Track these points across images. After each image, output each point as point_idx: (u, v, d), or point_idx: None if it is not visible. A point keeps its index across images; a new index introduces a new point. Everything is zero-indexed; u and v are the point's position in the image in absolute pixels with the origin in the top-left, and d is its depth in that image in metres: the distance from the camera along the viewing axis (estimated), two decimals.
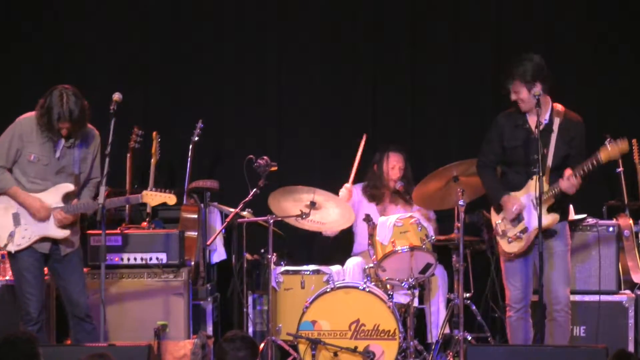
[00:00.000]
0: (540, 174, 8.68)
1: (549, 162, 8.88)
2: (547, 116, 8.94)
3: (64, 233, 8.92)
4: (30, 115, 8.94)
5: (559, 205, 8.90)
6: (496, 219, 9.12)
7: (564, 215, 9.05)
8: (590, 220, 10.02)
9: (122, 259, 10.02)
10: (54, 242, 8.98)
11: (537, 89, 8.81)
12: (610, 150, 8.73)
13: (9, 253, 9.00)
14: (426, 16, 11.89)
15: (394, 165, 10.45)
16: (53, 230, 8.90)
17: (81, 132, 8.94)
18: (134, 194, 9.31)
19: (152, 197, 9.19)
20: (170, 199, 9.17)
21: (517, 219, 8.97)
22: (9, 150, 8.90)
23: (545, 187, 8.78)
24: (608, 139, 8.77)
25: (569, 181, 8.74)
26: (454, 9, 11.84)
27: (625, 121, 11.04)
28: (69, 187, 8.94)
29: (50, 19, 11.77)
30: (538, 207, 8.74)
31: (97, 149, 9.11)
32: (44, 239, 8.94)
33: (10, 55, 11.70)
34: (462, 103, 11.62)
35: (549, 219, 8.81)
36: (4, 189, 8.92)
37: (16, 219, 8.94)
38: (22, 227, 8.92)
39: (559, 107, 9.03)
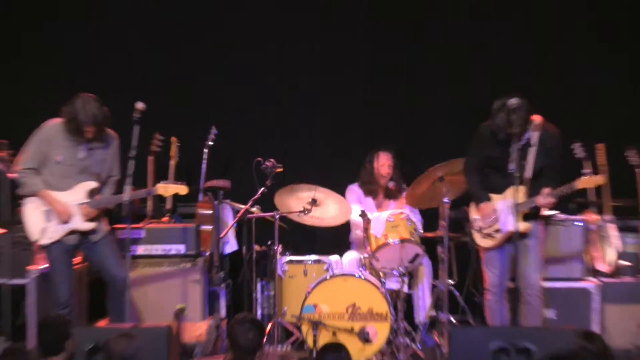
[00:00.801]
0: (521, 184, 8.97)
1: (528, 173, 9.09)
2: (527, 133, 9.08)
3: (89, 226, 9.22)
4: (56, 121, 9.18)
5: (533, 214, 9.15)
6: (474, 214, 9.37)
7: (537, 216, 9.26)
8: (561, 216, 10.14)
9: (145, 250, 10.21)
10: (82, 234, 9.23)
11: (515, 102, 8.89)
12: (587, 181, 8.99)
13: (42, 246, 9.28)
14: (426, 16, 11.94)
15: (383, 163, 10.69)
16: (79, 224, 9.21)
17: (102, 135, 9.17)
18: (151, 187, 9.54)
19: (166, 189, 9.41)
20: (182, 189, 9.37)
21: (494, 222, 9.19)
22: (38, 154, 9.18)
23: (523, 198, 8.98)
24: (589, 172, 9.15)
25: (546, 200, 8.99)
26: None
27: (592, 125, 11.05)
28: (92, 184, 9.25)
29: (72, 27, 11.80)
30: (515, 214, 8.88)
31: (116, 150, 9.33)
32: (72, 232, 9.21)
33: (37, 65, 11.69)
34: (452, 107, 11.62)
35: (524, 226, 9.07)
36: (35, 192, 9.17)
37: (47, 216, 9.21)
38: (52, 223, 9.21)
39: (537, 119, 9.15)
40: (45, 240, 9.28)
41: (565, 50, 11.70)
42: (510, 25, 11.82)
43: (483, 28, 11.85)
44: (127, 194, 9.18)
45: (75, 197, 9.25)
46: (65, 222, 9.23)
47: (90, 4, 11.88)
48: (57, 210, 9.20)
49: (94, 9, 11.88)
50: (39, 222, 9.27)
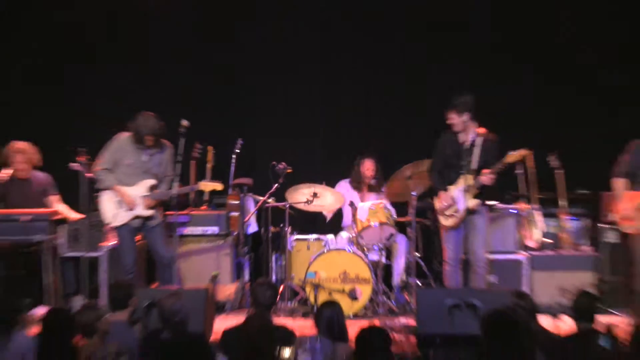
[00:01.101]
0: (468, 174, 8.99)
1: (473, 166, 9.03)
2: (472, 135, 9.09)
3: (149, 213, 9.29)
4: (125, 134, 9.26)
5: (480, 194, 9.07)
6: (438, 204, 9.33)
7: (483, 201, 9.18)
8: (500, 206, 10.10)
9: (188, 231, 10.17)
10: (144, 219, 9.30)
11: (465, 117, 9.06)
12: (513, 155, 8.94)
13: (114, 227, 9.39)
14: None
15: (367, 167, 10.61)
16: (142, 211, 9.27)
17: (159, 144, 9.23)
18: (195, 184, 9.59)
19: (206, 185, 9.50)
20: (218, 186, 9.46)
21: (452, 204, 9.17)
22: (112, 158, 9.27)
23: (471, 182, 8.98)
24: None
25: (487, 177, 8.93)
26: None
27: (523, 135, 10.51)
28: (152, 181, 9.32)
29: (131, 59, 11.62)
30: (466, 196, 8.97)
31: (170, 156, 9.34)
32: (136, 218, 9.29)
33: (106, 88, 11.53)
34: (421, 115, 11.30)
35: (473, 202, 9.03)
36: (109, 187, 9.26)
37: (118, 204, 9.29)
38: (122, 210, 9.29)
39: (481, 130, 9.11)
40: (116, 223, 9.35)
41: (499, 71, 11.46)
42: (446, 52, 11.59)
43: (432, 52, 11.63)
44: (176, 189, 9.23)
45: (139, 191, 9.30)
46: (132, 209, 9.27)
47: (141, 41, 11.76)
48: (125, 200, 9.26)
49: (137, 49, 11.75)
50: (112, 209, 9.34)
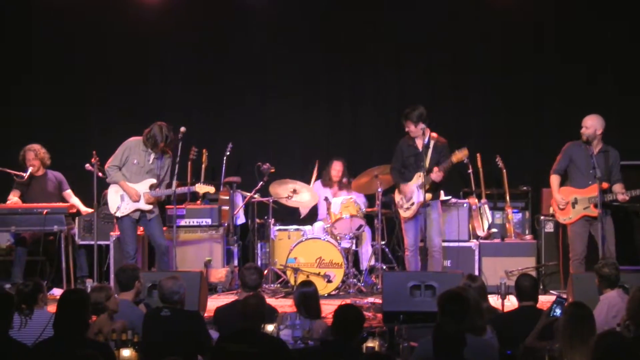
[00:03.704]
0: (423, 173, 8.98)
1: (427, 165, 9.02)
2: (426, 140, 9.08)
3: (149, 207, 9.17)
4: (136, 138, 9.19)
5: (432, 189, 9.05)
6: (398, 198, 9.35)
7: (436, 196, 9.18)
8: (453, 200, 10.08)
9: (185, 222, 10.05)
10: (142, 212, 9.21)
11: (420, 125, 9.03)
12: (457, 155, 8.97)
13: (117, 218, 9.30)
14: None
15: (335, 169, 10.54)
16: (143, 205, 9.17)
17: (164, 151, 9.21)
18: (191, 186, 9.42)
19: (201, 187, 9.31)
20: (211, 189, 9.30)
21: (410, 198, 9.16)
22: (121, 157, 9.18)
23: (424, 179, 8.93)
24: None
25: (436, 174, 8.97)
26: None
27: (474, 139, 10.72)
28: (153, 181, 9.20)
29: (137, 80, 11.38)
30: (421, 190, 8.95)
31: (169, 162, 9.30)
32: (136, 210, 9.20)
33: (116, 102, 11.33)
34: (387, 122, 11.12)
35: (427, 195, 8.94)
36: (117, 182, 9.17)
37: (122, 198, 9.19)
38: (124, 203, 9.19)
39: (434, 134, 9.16)
40: (119, 214, 9.25)
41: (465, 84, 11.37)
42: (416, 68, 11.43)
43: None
44: (174, 187, 9.16)
45: (142, 187, 9.21)
46: (134, 202, 9.18)
47: (147, 64, 11.58)
48: (129, 194, 9.17)
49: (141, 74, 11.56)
50: (117, 202, 9.26)
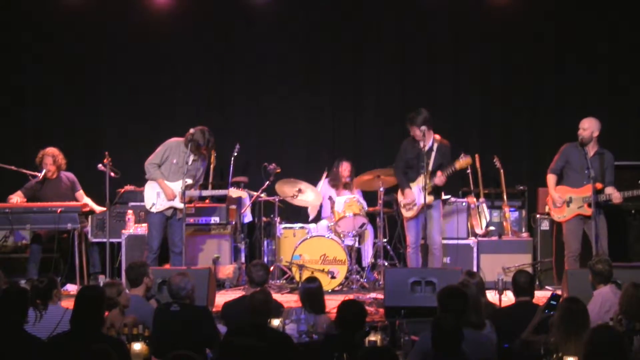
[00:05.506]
0: (426, 174, 8.95)
1: (430, 167, 9.02)
2: (430, 142, 9.04)
3: (182, 206, 9.07)
4: (176, 138, 9.23)
5: (434, 191, 9.07)
6: (401, 199, 9.29)
7: (437, 196, 9.17)
8: (453, 199, 10.04)
9: (195, 220, 9.91)
10: (174, 210, 9.20)
11: (424, 129, 8.95)
12: (461, 162, 8.98)
13: (151, 212, 9.24)
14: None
15: (344, 169, 10.49)
16: (177, 203, 9.15)
17: (203, 154, 9.24)
18: (222, 189, 9.76)
19: (234, 192, 9.54)
20: (243, 194, 9.63)
21: (413, 200, 9.07)
22: (161, 156, 9.20)
23: (427, 181, 8.93)
24: (461, 155, 8.97)
25: (439, 179, 8.96)
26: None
27: (473, 141, 10.87)
28: (189, 181, 9.12)
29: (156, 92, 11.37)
30: (423, 192, 8.90)
31: (205, 165, 9.39)
32: (170, 208, 9.21)
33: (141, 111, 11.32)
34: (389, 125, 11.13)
35: (429, 198, 8.97)
36: (156, 179, 9.21)
37: (158, 195, 9.22)
38: (160, 199, 9.21)
39: (437, 136, 9.12)
40: (154, 210, 9.26)
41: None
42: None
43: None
44: (208, 191, 9.47)
45: (177, 187, 9.18)
46: (169, 200, 9.20)
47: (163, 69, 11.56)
48: (165, 192, 9.20)
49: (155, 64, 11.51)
50: (152, 198, 9.27)
